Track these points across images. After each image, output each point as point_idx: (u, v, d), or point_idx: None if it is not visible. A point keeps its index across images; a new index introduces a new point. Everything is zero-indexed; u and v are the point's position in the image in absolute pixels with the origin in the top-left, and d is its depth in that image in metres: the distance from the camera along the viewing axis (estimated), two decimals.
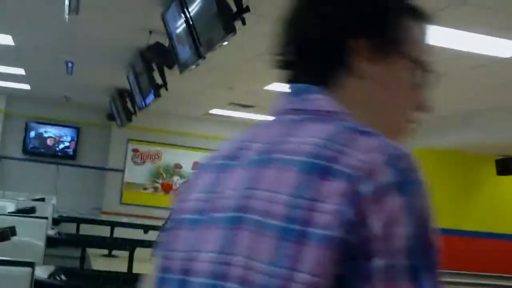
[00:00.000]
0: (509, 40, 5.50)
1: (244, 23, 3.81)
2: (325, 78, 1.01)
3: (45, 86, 10.47)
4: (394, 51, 1.02)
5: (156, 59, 6.23)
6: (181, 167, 12.14)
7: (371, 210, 0.82)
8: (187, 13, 4.64)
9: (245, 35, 4.40)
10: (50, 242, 6.08)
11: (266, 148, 0.95)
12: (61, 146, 12.18)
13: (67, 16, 5.00)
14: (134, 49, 6.82)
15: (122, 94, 9.23)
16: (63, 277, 5.20)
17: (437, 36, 5.59)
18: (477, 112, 8.55)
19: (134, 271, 5.13)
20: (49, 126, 12.13)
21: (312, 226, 0.83)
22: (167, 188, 12.11)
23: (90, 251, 6.66)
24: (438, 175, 9.68)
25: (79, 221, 8.97)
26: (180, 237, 1.01)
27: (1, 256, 3.48)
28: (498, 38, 5.45)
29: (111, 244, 7.30)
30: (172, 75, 6.12)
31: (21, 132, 11.93)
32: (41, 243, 5.66)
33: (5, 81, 10.18)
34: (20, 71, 9.20)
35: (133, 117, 9.04)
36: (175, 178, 12.14)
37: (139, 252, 6.32)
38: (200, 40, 4.59)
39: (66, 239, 7.34)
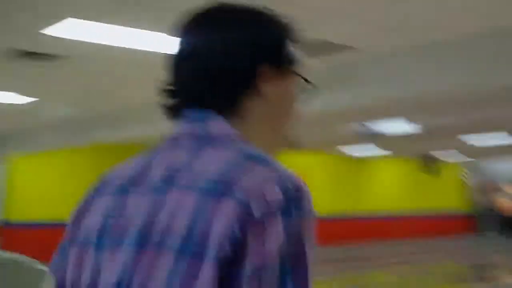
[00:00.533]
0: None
1: None
2: (227, 103, 1.11)
3: None
4: (287, 71, 1.16)
5: None
6: None
7: (255, 231, 0.92)
8: None
9: None
10: None
11: (169, 174, 1.03)
12: None
13: None
14: None
15: None
16: None
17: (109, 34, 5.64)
18: None
19: None
20: None
21: (206, 246, 0.93)
22: None
23: None
24: None
25: None
26: (84, 260, 1.05)
27: None
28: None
29: None
30: None
31: None
32: None
33: None
34: None
35: None
36: None
37: None
38: None
39: None
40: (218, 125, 1.08)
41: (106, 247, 1.03)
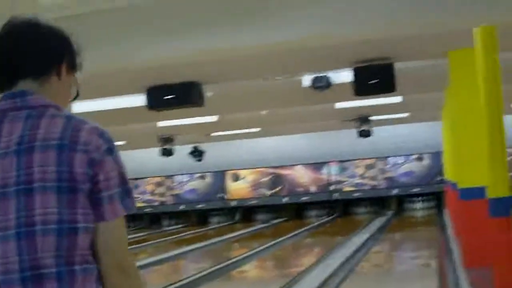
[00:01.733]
0: None
1: None
2: (39, 83, 1.59)
3: None
4: (72, 69, 1.67)
5: None
6: None
7: (100, 168, 1.50)
8: None
9: None
10: None
11: (23, 139, 1.50)
12: None
13: None
14: None
15: None
16: None
17: None
18: None
19: None
20: None
21: (76, 183, 1.48)
22: None
23: None
24: None
25: None
26: None
27: None
28: None
29: None
30: None
31: None
32: None
33: None
34: None
35: None
36: None
37: None
38: None
39: None
40: (34, 98, 1.55)
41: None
